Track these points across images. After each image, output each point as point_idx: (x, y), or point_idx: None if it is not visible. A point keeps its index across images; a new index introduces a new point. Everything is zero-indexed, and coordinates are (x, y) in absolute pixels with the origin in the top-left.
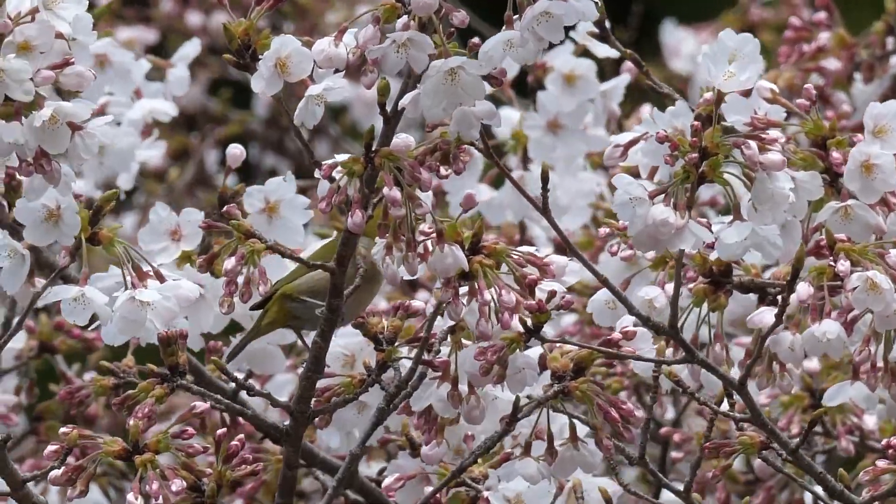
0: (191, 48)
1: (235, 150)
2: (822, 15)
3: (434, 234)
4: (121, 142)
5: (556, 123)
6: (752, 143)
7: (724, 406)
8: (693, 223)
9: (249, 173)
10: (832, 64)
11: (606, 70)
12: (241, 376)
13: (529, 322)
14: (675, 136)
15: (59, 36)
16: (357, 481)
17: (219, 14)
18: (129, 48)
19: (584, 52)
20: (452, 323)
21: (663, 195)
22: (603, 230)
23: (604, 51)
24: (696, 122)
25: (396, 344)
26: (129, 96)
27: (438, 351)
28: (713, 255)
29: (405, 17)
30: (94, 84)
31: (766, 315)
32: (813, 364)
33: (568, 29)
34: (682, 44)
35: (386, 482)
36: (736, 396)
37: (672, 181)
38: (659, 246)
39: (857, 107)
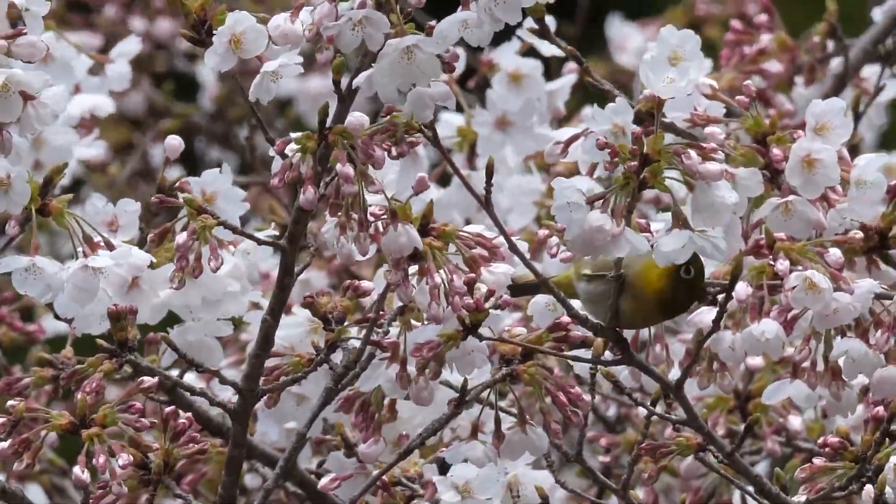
0: (131, 44)
1: (174, 142)
2: (763, 17)
3: (386, 215)
4: (58, 138)
5: (504, 121)
6: (692, 153)
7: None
8: (629, 231)
9: (195, 166)
10: (773, 66)
11: (554, 67)
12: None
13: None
14: (616, 132)
15: (12, 6)
16: (297, 473)
17: (163, 20)
18: (98, 56)
19: (529, 51)
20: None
21: (601, 200)
22: (542, 232)
23: (548, 49)
24: (636, 130)
25: (346, 324)
26: (69, 92)
27: (388, 331)
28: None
29: None
30: None
31: (706, 315)
32: (756, 361)
33: (513, 26)
34: (627, 39)
35: (323, 482)
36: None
37: (611, 186)
38: (595, 252)
39: (798, 110)
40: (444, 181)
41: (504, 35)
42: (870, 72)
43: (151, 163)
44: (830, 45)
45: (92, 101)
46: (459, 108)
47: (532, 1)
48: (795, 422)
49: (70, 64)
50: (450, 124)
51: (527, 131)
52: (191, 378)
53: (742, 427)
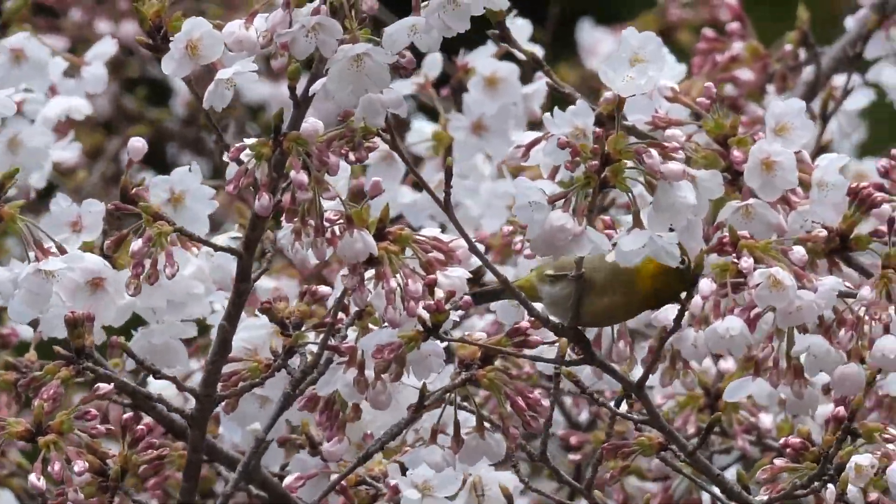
0: (106, 46)
1: (137, 143)
2: (735, 25)
3: (342, 220)
4: (34, 140)
5: (480, 125)
6: (654, 152)
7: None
8: (591, 230)
9: (166, 172)
10: (745, 74)
11: (529, 70)
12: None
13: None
14: (577, 134)
15: None
16: (260, 476)
17: (128, 23)
18: (73, 58)
19: (506, 55)
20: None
21: (563, 200)
22: (506, 228)
23: (521, 47)
24: (598, 130)
25: (303, 329)
26: (44, 93)
27: (345, 336)
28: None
29: (316, 2)
30: (9, 78)
31: (669, 313)
32: (728, 364)
33: (485, 27)
34: (599, 43)
35: (287, 481)
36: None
37: (572, 186)
38: (556, 251)
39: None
40: (419, 185)
41: (481, 39)
42: (841, 80)
43: (123, 168)
44: (802, 53)
45: (68, 104)
46: (435, 113)
47: (481, 9)
48: (766, 420)
49: (43, 65)
50: (423, 130)
51: (503, 135)
52: (158, 383)
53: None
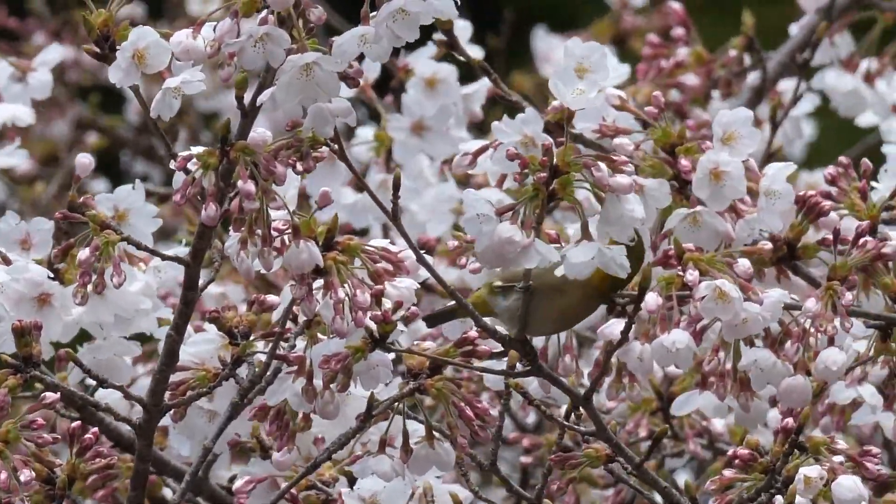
0: (53, 53)
1: (84, 160)
2: (680, 31)
3: (289, 230)
4: None
5: (420, 125)
6: (602, 165)
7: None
8: (539, 242)
9: (120, 180)
10: (690, 80)
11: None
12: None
13: (376, 331)
14: (526, 143)
15: None
16: (208, 488)
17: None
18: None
19: (445, 56)
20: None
21: (511, 212)
22: (451, 242)
23: (469, 54)
24: (546, 142)
25: (252, 338)
26: None
27: (294, 345)
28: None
29: (264, 12)
30: None
31: (616, 326)
32: (673, 368)
33: (430, 31)
34: (553, 51)
35: (236, 485)
36: None
37: (521, 198)
38: (504, 263)
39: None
40: (362, 185)
41: (421, 40)
42: (787, 85)
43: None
44: (748, 58)
45: (11, 111)
46: (376, 115)
47: (430, 19)
48: (718, 424)
49: None
50: (367, 135)
51: (443, 136)
52: (105, 393)
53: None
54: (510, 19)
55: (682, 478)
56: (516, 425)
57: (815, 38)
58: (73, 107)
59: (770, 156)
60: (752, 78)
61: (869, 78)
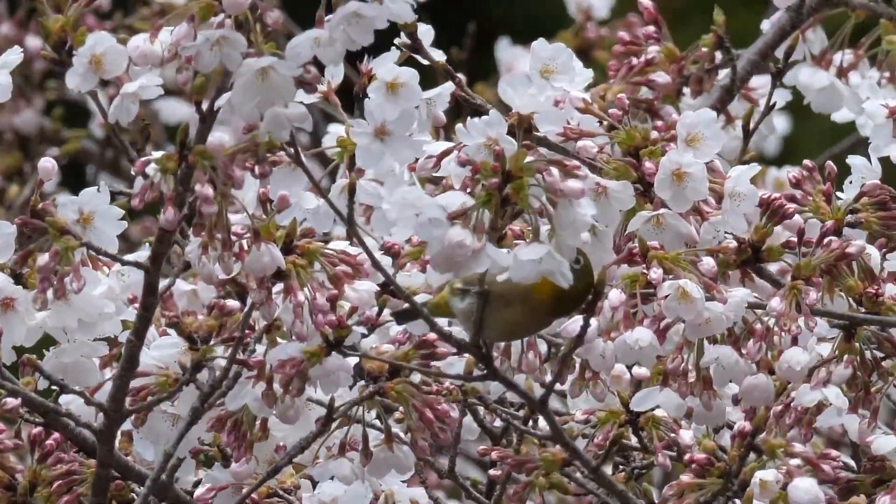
0: (13, 56)
1: (47, 164)
2: (651, 28)
3: (249, 234)
4: None
5: (383, 130)
6: (554, 170)
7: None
8: (490, 247)
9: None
10: (661, 77)
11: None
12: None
13: (331, 336)
14: (490, 144)
15: None
16: (173, 493)
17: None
18: None
19: (407, 60)
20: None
21: (463, 217)
22: (415, 238)
23: (432, 57)
24: (498, 148)
25: (212, 343)
26: None
27: (254, 350)
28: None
29: (220, 16)
30: None
31: (578, 323)
32: (642, 370)
33: (392, 34)
34: (516, 61)
35: (197, 493)
36: None
37: (472, 204)
38: (456, 268)
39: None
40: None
41: (385, 45)
42: (758, 83)
43: (43, 189)
44: (718, 56)
45: None
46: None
47: (385, 23)
48: (686, 436)
49: None
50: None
51: (405, 140)
52: (68, 399)
53: (634, 440)
54: (473, 31)
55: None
56: (483, 430)
57: (788, 46)
58: (40, 96)
59: (743, 163)
60: (723, 76)
61: (842, 72)
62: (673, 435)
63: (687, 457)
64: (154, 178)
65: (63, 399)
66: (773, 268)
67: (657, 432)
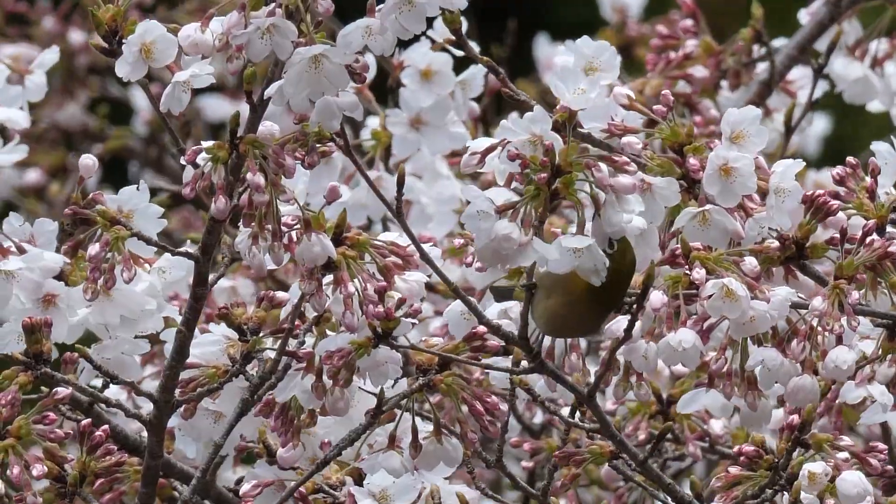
0: (49, 55)
1: (88, 161)
2: (688, 22)
3: (299, 224)
4: None
5: (419, 120)
6: (603, 166)
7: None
8: (537, 241)
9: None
10: (699, 71)
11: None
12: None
13: (379, 328)
14: (534, 141)
15: None
16: (215, 491)
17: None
18: (16, 65)
19: (440, 49)
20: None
21: (511, 210)
22: (457, 241)
23: (474, 52)
24: (548, 142)
25: (261, 335)
26: None
27: (303, 342)
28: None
29: (272, 5)
30: None
31: (621, 324)
32: (681, 367)
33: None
34: (555, 59)
35: (243, 489)
36: None
37: (522, 197)
38: (502, 261)
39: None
40: (357, 183)
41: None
42: (796, 75)
43: (86, 187)
44: (756, 49)
45: (6, 115)
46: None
47: (437, 10)
48: (717, 426)
49: None
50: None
51: (441, 129)
52: (113, 392)
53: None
54: (513, 28)
55: (684, 481)
56: (523, 426)
57: (830, 42)
58: (84, 90)
59: (787, 156)
60: (762, 69)
61: (877, 62)
62: (705, 426)
63: (735, 449)
64: (204, 167)
65: (108, 394)
66: (817, 265)
67: (689, 423)
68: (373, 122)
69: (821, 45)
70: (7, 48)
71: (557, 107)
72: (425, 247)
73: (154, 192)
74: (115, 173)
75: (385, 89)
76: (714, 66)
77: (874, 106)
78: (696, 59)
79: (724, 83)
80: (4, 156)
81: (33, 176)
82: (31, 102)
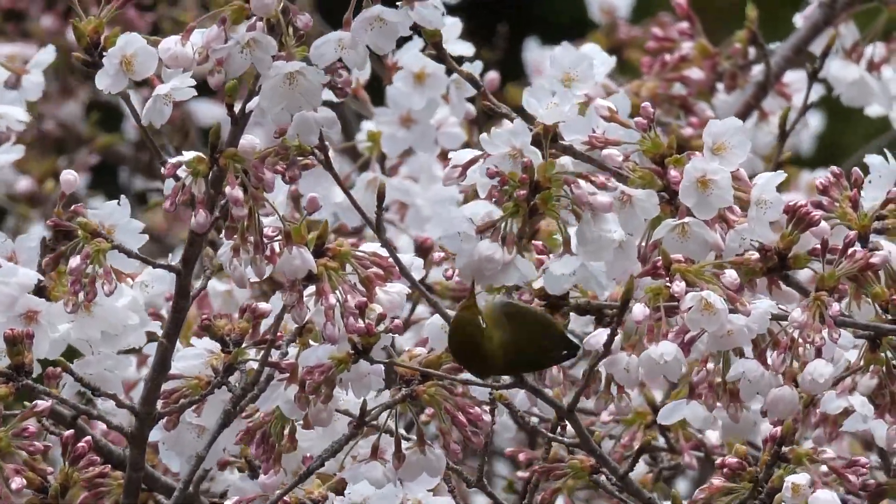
0: (45, 55)
1: (69, 177)
2: (684, 25)
3: (281, 236)
4: None
5: (408, 118)
6: (582, 183)
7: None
8: (520, 259)
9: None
10: (695, 74)
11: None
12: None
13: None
14: (514, 154)
15: None
16: (199, 503)
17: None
18: (12, 64)
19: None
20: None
21: (492, 229)
22: (437, 255)
23: (459, 49)
24: (526, 159)
25: (244, 346)
26: None
27: (286, 353)
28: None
29: (252, 19)
30: None
31: (601, 336)
32: None
33: (418, 30)
34: (545, 63)
35: None
36: None
37: (502, 215)
38: (484, 280)
39: (719, 116)
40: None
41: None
42: (791, 78)
43: (76, 193)
44: (752, 51)
45: (4, 111)
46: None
47: (408, 30)
48: (712, 436)
49: None
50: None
51: (430, 129)
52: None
53: (661, 441)
54: (504, 32)
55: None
56: (519, 427)
57: (825, 45)
58: (83, 88)
59: (779, 165)
60: (757, 71)
61: (874, 66)
62: (700, 435)
63: (718, 461)
64: (185, 180)
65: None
66: (801, 275)
67: (684, 433)
68: (369, 124)
69: (816, 47)
70: (3, 48)
71: (537, 119)
72: (410, 254)
73: (144, 196)
74: (105, 177)
75: (382, 91)
76: (710, 69)
77: (873, 110)
78: (691, 61)
79: (719, 85)
80: (2, 156)
81: (24, 184)
82: (29, 102)
